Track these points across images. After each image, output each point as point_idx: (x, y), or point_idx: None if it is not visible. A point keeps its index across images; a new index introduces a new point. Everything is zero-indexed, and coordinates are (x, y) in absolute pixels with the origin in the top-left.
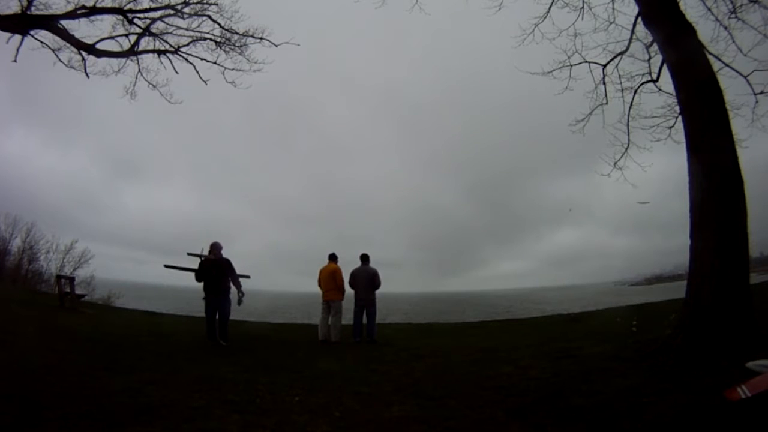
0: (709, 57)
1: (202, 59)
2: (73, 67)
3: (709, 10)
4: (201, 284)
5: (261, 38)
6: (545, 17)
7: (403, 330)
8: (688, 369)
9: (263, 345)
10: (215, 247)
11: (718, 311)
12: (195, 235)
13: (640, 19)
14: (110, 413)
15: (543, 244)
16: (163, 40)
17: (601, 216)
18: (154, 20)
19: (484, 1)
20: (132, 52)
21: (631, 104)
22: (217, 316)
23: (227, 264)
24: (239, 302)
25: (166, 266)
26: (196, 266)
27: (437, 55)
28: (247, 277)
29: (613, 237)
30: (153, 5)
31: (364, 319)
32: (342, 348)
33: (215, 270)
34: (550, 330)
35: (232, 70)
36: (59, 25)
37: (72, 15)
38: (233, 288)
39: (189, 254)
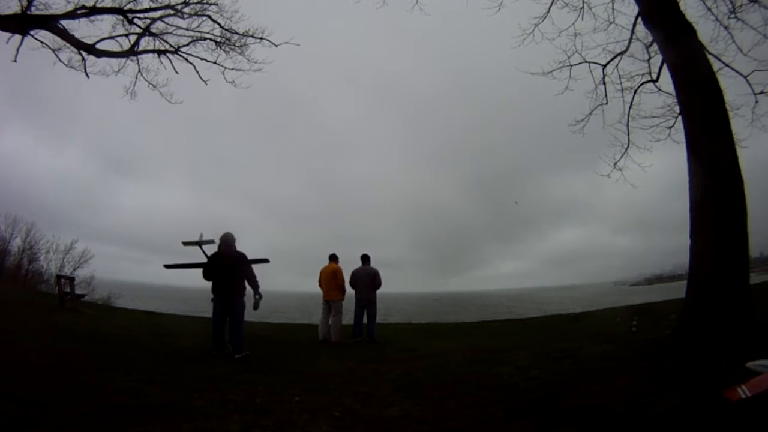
0: (709, 57)
1: (202, 59)
2: (73, 67)
3: (709, 10)
4: (210, 283)
5: (261, 38)
6: (545, 17)
7: (404, 330)
8: (688, 369)
9: (263, 345)
10: (227, 241)
11: (718, 311)
12: (192, 234)
13: (640, 19)
14: (110, 413)
15: (544, 244)
16: (163, 40)
17: (603, 215)
18: (154, 20)
19: (484, 1)
20: (132, 52)
21: (631, 104)
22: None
23: (242, 259)
24: (255, 306)
25: (166, 266)
26: (199, 261)
27: (438, 52)
28: (266, 261)
29: (615, 236)
30: (153, 5)
31: (365, 319)
32: (342, 348)
33: (227, 267)
34: (550, 330)
35: (232, 70)
36: (59, 25)
37: (72, 15)
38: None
39: (185, 243)
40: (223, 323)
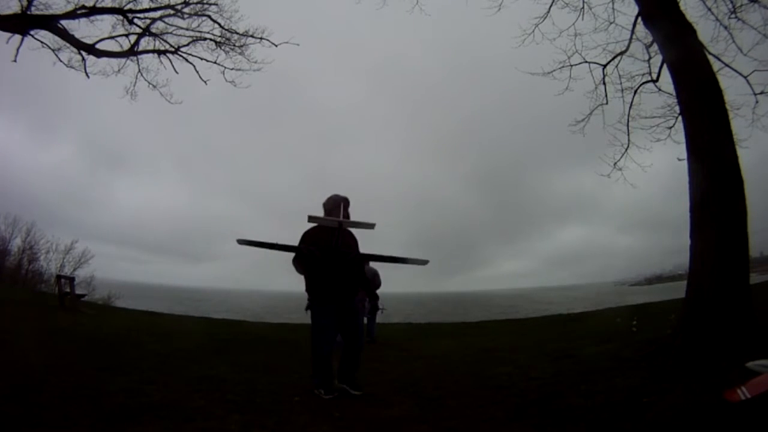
0: (709, 57)
1: (202, 59)
2: (73, 67)
3: (709, 10)
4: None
5: (261, 38)
6: (545, 17)
7: (403, 330)
8: (688, 369)
9: (263, 345)
10: (335, 204)
11: (718, 311)
12: (191, 233)
13: (640, 19)
14: (110, 413)
15: (547, 243)
16: (163, 40)
17: (607, 213)
18: (154, 20)
19: (484, 2)
20: (132, 52)
21: (631, 104)
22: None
23: (356, 243)
24: (371, 316)
25: (240, 242)
26: (287, 244)
27: (438, 49)
28: (372, 226)
29: (618, 235)
30: (153, 5)
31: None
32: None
33: (339, 248)
34: (550, 330)
35: (232, 69)
36: (59, 25)
37: (72, 15)
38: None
39: (311, 218)
40: (333, 343)
